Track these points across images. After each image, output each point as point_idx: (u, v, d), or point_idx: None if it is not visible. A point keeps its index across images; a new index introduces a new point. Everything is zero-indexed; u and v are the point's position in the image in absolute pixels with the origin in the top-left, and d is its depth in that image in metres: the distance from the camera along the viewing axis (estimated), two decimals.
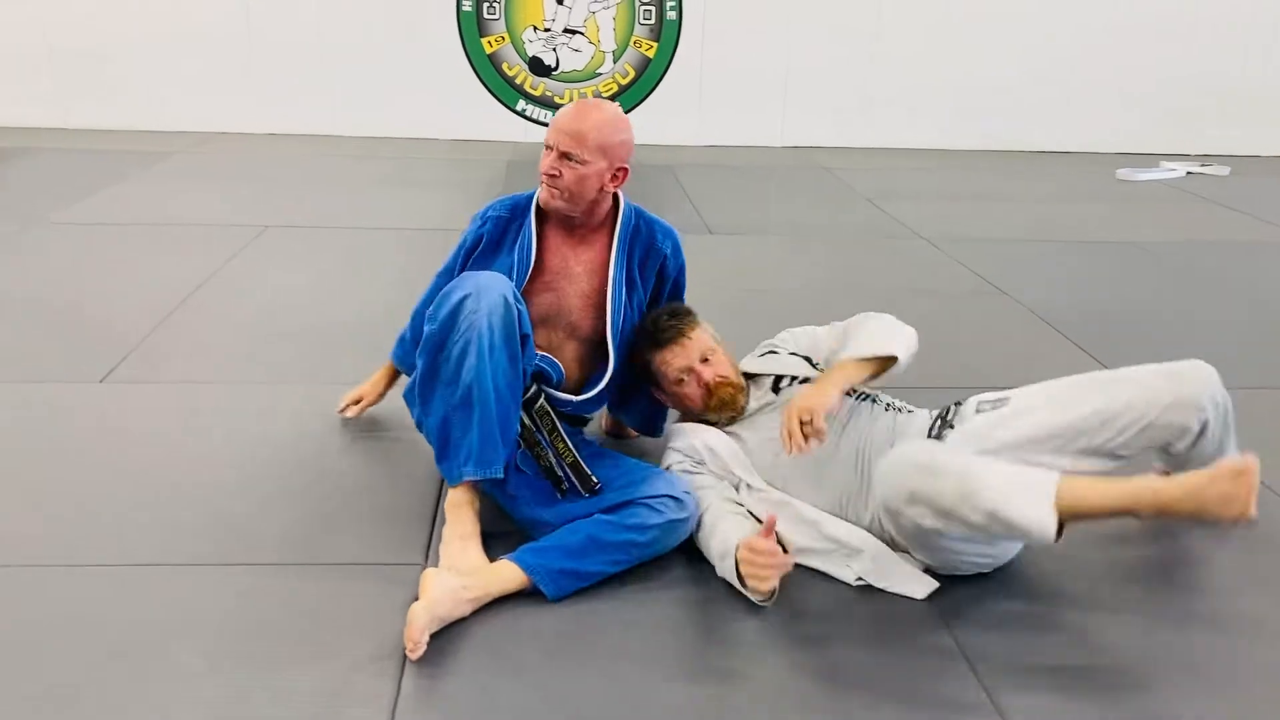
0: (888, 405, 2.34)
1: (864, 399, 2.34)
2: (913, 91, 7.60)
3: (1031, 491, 1.88)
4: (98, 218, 4.93)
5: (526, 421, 2.23)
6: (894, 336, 2.31)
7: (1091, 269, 4.63)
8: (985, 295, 4.15)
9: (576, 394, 2.37)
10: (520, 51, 7.47)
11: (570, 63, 7.53)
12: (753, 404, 2.39)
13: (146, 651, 1.84)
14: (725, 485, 2.26)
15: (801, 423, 2.07)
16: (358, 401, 2.73)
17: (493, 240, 2.40)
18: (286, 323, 3.57)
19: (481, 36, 7.41)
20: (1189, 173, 6.94)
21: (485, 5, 7.36)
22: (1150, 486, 1.89)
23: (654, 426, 2.60)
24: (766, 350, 2.55)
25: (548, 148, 2.26)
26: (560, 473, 2.21)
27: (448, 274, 2.44)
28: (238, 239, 4.53)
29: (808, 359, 2.47)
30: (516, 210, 2.40)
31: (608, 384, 2.37)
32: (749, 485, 2.25)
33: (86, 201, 5.21)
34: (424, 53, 7.35)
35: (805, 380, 2.37)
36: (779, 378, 2.41)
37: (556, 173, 2.25)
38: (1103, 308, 4.05)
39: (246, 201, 5.36)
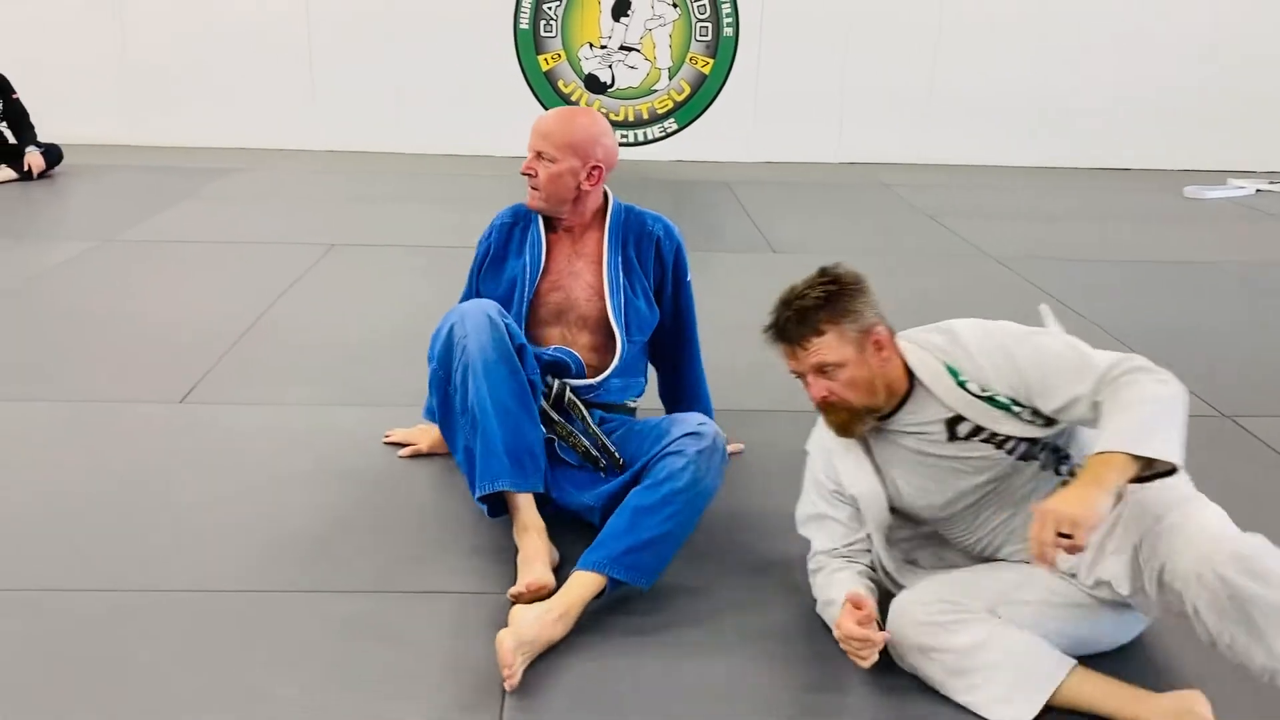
0: (1056, 470, 1.91)
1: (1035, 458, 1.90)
2: (972, 107, 7.51)
3: (1023, 691, 1.76)
4: (167, 235, 5.00)
5: (556, 416, 2.32)
6: (1176, 431, 1.69)
7: (1164, 288, 4.54)
8: (1058, 315, 4.07)
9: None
10: (576, 69, 7.50)
11: (626, 79, 7.54)
12: (912, 429, 1.93)
13: (241, 680, 1.84)
14: (852, 528, 2.00)
15: (1059, 535, 1.60)
16: (407, 444, 2.72)
17: (500, 246, 2.51)
18: (360, 342, 3.58)
19: (538, 54, 7.45)
20: (1258, 190, 6.79)
21: (542, 23, 7.40)
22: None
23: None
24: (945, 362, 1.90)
25: (529, 151, 2.39)
26: (596, 453, 2.30)
27: (466, 299, 2.51)
28: (305, 257, 4.57)
29: (1013, 402, 1.84)
30: (519, 215, 2.51)
31: (620, 363, 2.44)
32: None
33: (155, 218, 5.29)
34: (481, 71, 7.39)
35: (1010, 444, 1.86)
36: (961, 421, 1.87)
37: (532, 172, 2.38)
38: (1179, 328, 3.96)
39: (311, 219, 5.42)
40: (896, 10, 7.37)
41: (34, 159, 6.08)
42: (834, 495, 2.00)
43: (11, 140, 6.17)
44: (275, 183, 6.36)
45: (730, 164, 7.30)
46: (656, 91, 7.58)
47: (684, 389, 2.67)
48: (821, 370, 1.88)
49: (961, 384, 1.87)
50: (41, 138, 6.24)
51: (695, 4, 7.41)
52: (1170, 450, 1.64)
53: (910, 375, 1.91)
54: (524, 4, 7.34)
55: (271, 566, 2.20)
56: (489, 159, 7.29)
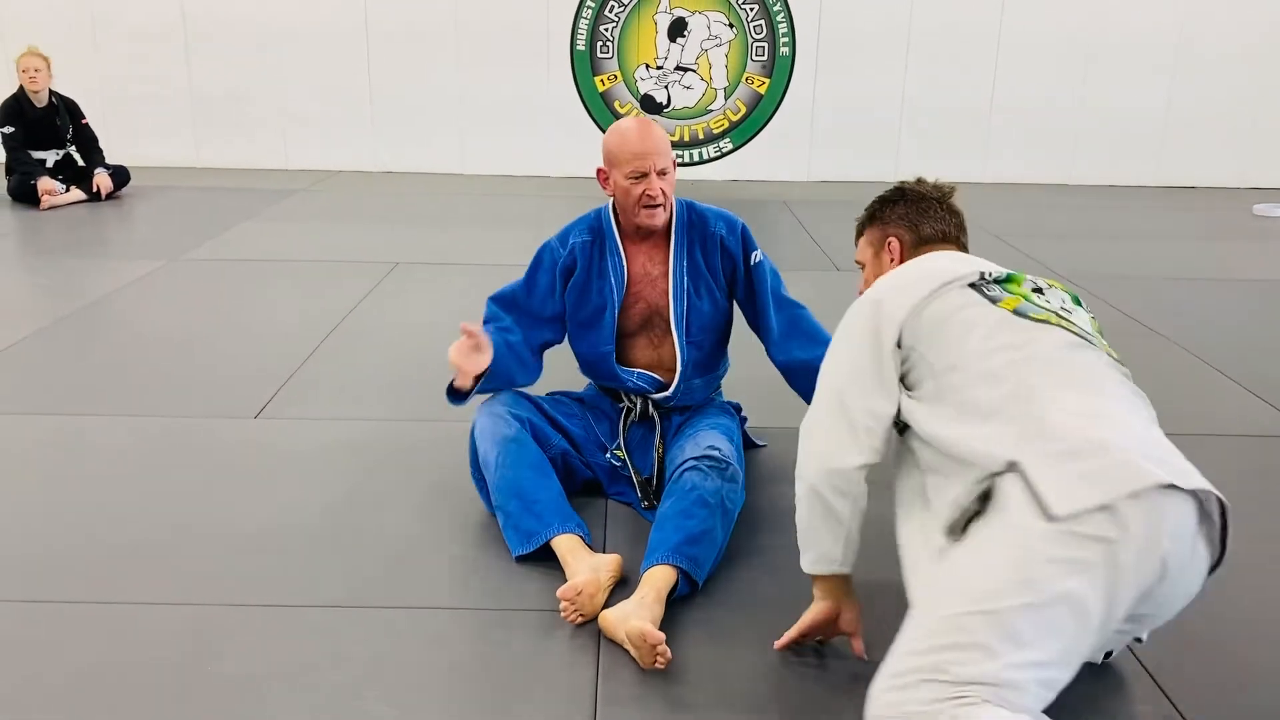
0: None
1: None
2: (1033, 125, 7.42)
3: None
4: (233, 254, 5.05)
5: (623, 450, 2.48)
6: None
7: (1242, 307, 4.42)
8: (1136, 335, 3.97)
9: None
10: (632, 90, 7.51)
11: (681, 100, 7.54)
12: None
13: (336, 698, 1.81)
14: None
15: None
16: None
17: (584, 270, 2.50)
18: (427, 358, 3.56)
19: (595, 75, 7.47)
20: None
21: (598, 44, 7.42)
22: None
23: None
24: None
25: (641, 175, 2.34)
26: (648, 489, 2.41)
27: (509, 297, 2.55)
28: (370, 275, 4.59)
29: None
30: (595, 231, 2.52)
31: (689, 367, 2.48)
32: None
33: (221, 238, 5.35)
34: (537, 92, 7.43)
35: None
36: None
37: (661, 192, 2.37)
38: (1262, 347, 3.84)
39: (374, 238, 5.45)
40: (955, 28, 7.30)
41: (102, 180, 6.20)
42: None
43: (81, 163, 6.30)
44: (337, 203, 6.42)
45: (787, 183, 7.26)
46: (712, 111, 7.57)
47: (795, 362, 2.52)
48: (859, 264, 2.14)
49: None
50: (110, 160, 6.36)
51: (752, 24, 7.40)
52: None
53: None
54: (581, 26, 7.38)
55: (352, 581, 2.17)
56: (545, 179, 7.33)
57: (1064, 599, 1.42)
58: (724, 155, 7.59)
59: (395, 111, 7.44)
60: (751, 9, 7.37)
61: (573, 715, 1.76)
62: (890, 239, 2.06)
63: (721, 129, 7.58)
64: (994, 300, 1.80)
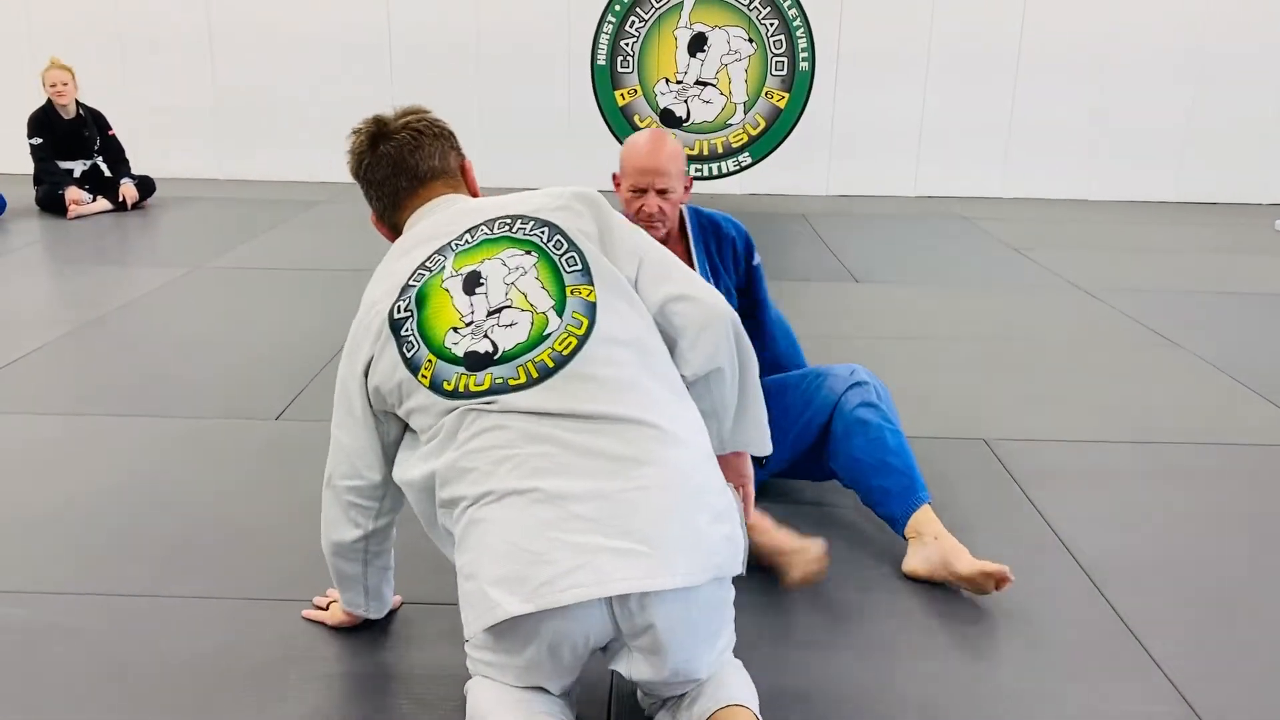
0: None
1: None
2: (1052, 140, 7.42)
3: None
4: (256, 262, 5.10)
5: None
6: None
7: (1267, 322, 4.39)
8: (1159, 348, 3.96)
9: None
10: (652, 104, 7.54)
11: (701, 114, 7.56)
12: None
13: (365, 687, 1.82)
14: None
15: None
16: None
17: None
18: None
19: (615, 89, 7.51)
20: None
21: (619, 59, 7.47)
22: None
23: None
24: None
25: (640, 190, 2.38)
26: None
27: None
28: None
29: None
30: None
31: None
32: None
33: (244, 247, 5.41)
34: (557, 106, 7.48)
35: None
36: None
37: (658, 210, 2.40)
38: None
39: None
40: (975, 43, 7.31)
41: (128, 190, 6.28)
42: None
43: (107, 173, 6.38)
44: (358, 214, 6.45)
45: (806, 197, 7.28)
46: (731, 126, 7.59)
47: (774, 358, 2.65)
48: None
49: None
50: (136, 171, 6.44)
51: (772, 39, 7.43)
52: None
53: None
54: (601, 40, 7.43)
55: None
56: None
57: None
58: (743, 169, 7.60)
59: None
60: (771, 24, 7.41)
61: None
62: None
63: (741, 143, 7.59)
64: (413, 367, 1.62)
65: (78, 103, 6.27)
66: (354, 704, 1.80)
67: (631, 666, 1.54)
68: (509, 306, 1.61)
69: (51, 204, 6.12)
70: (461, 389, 1.57)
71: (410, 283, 1.67)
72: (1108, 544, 2.39)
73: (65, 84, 6.12)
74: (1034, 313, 4.43)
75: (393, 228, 1.89)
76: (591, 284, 1.64)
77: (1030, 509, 2.57)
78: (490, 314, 1.61)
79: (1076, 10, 7.22)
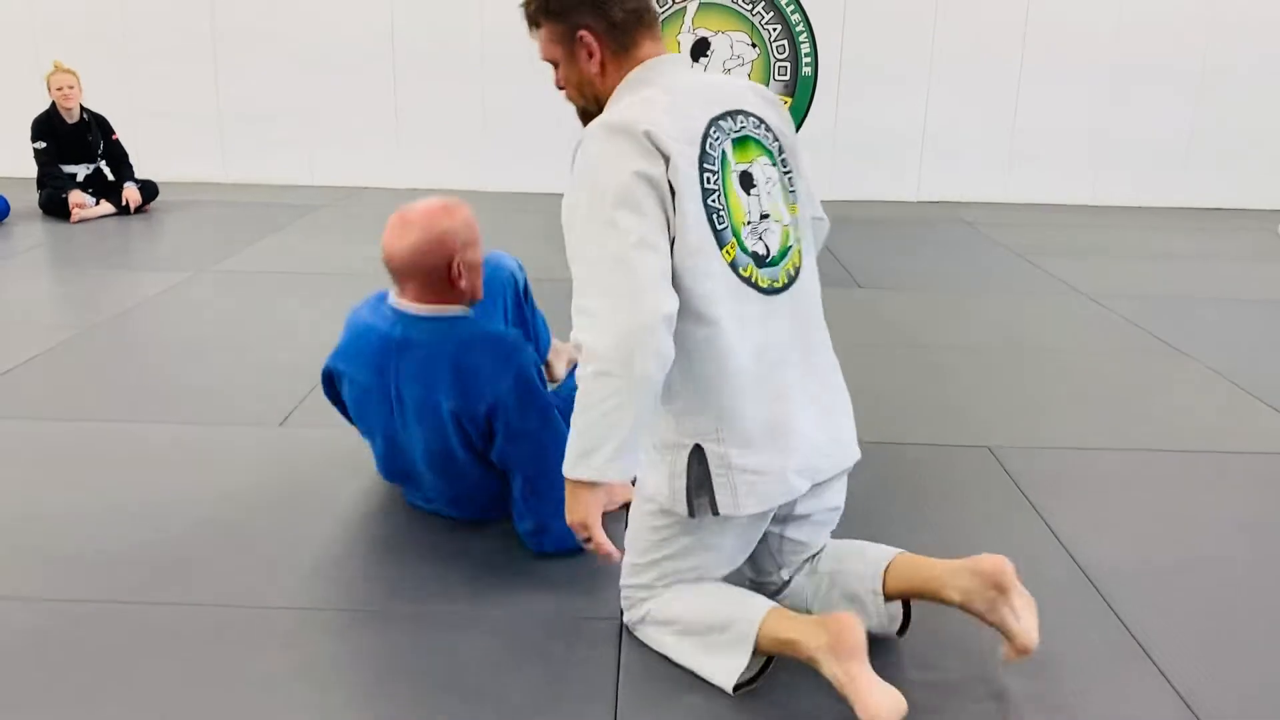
0: None
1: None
2: (1054, 146, 7.42)
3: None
4: (259, 266, 5.11)
5: None
6: (616, 433, 1.67)
7: (1272, 329, 4.39)
8: (1164, 355, 3.95)
9: None
10: None
11: None
12: None
13: (355, 697, 1.82)
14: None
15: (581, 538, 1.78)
16: None
17: None
18: None
19: None
20: None
21: None
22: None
23: None
24: None
25: None
26: None
27: None
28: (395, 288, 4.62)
29: None
30: None
31: None
32: None
33: (247, 251, 5.41)
34: (564, 111, 7.47)
35: None
36: None
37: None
38: None
39: None
40: (977, 49, 7.32)
41: (131, 194, 6.28)
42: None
43: (111, 177, 6.39)
44: (362, 218, 6.47)
45: None
46: None
47: None
48: (546, 62, 1.93)
49: None
50: (139, 175, 6.45)
51: (774, 44, 7.44)
52: (607, 469, 1.67)
53: None
54: None
55: (372, 585, 2.19)
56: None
57: None
58: None
59: (420, 129, 7.52)
60: (774, 29, 7.42)
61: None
62: (581, 38, 1.84)
63: None
64: (720, 241, 1.72)
65: (82, 106, 6.28)
66: (369, 708, 1.80)
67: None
68: (768, 216, 1.79)
69: (54, 208, 6.12)
70: (751, 280, 1.75)
71: (709, 150, 1.72)
72: (1115, 553, 2.39)
73: (71, 87, 6.13)
74: (1039, 319, 4.43)
75: (620, 48, 1.83)
76: (798, 203, 1.87)
77: (1035, 517, 2.57)
78: (761, 218, 1.78)
79: (1080, 16, 7.22)
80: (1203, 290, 5.01)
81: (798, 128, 7.43)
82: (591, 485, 1.70)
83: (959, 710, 1.82)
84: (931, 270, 5.37)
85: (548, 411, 2.25)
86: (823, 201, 2.03)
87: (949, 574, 1.83)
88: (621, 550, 1.87)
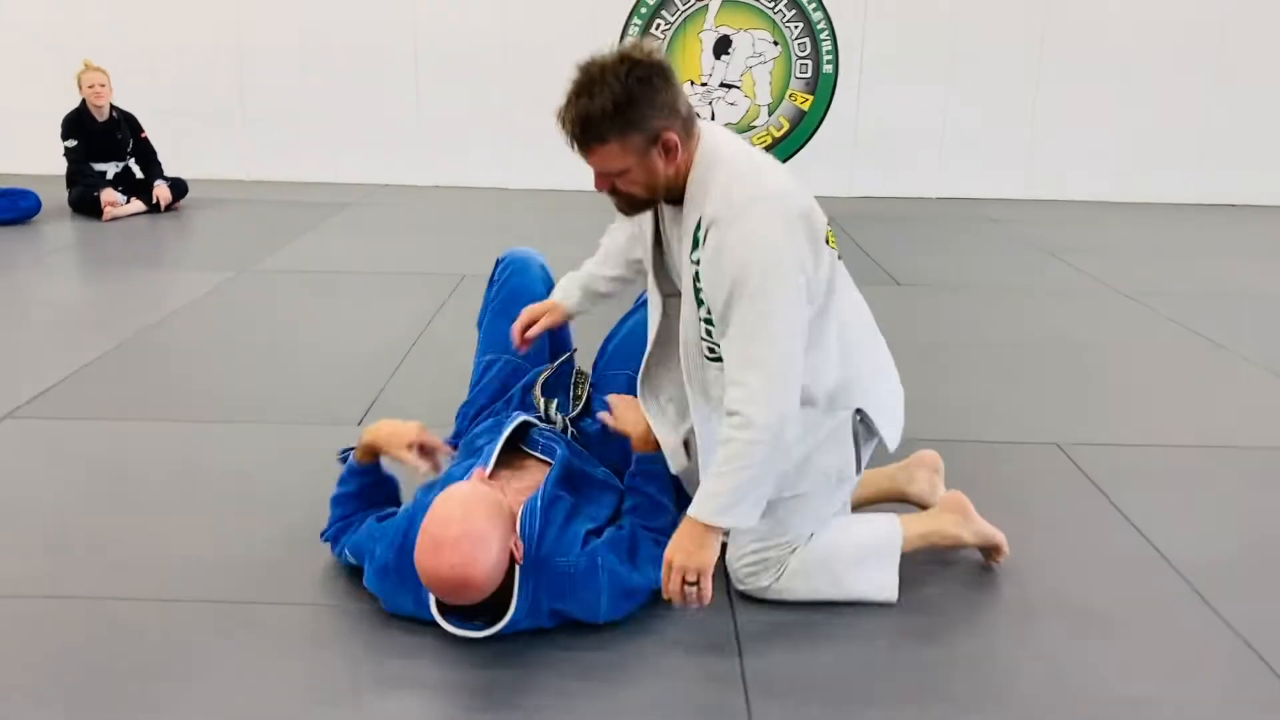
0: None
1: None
2: (1077, 143, 7.48)
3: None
4: (303, 265, 5.13)
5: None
6: (755, 492, 1.90)
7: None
8: (1209, 352, 4.02)
9: None
10: None
11: (725, 116, 7.61)
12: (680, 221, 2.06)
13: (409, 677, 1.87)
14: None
15: (687, 582, 1.89)
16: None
17: None
18: None
19: None
20: None
21: None
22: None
23: None
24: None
25: None
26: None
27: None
28: (442, 286, 4.66)
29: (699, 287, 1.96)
30: None
31: None
32: None
33: (286, 249, 5.43)
34: None
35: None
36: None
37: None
38: None
39: (436, 250, 5.53)
40: (998, 45, 7.38)
41: (162, 192, 6.29)
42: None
43: (140, 175, 6.39)
44: (390, 216, 6.50)
45: (829, 199, 7.31)
46: (755, 128, 7.64)
47: None
48: (604, 173, 1.95)
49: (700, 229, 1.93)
50: (167, 173, 6.45)
51: (796, 42, 7.49)
52: (745, 518, 1.90)
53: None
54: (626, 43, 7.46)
55: None
56: (589, 194, 7.38)
57: None
58: None
59: (443, 126, 7.53)
60: (796, 27, 7.46)
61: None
62: (664, 139, 1.89)
63: (765, 145, 7.64)
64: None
65: (111, 105, 6.28)
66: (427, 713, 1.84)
67: None
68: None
69: (85, 206, 6.13)
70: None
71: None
72: (1203, 548, 2.42)
73: (102, 85, 6.14)
74: (1079, 317, 4.49)
75: (689, 135, 1.94)
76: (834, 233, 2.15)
77: (1116, 514, 2.61)
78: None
79: (1099, 11, 7.28)
80: (1235, 287, 5.08)
81: (818, 125, 7.55)
82: (719, 535, 1.92)
83: (1067, 713, 1.87)
84: (966, 267, 5.42)
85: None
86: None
87: (902, 472, 2.43)
88: None
